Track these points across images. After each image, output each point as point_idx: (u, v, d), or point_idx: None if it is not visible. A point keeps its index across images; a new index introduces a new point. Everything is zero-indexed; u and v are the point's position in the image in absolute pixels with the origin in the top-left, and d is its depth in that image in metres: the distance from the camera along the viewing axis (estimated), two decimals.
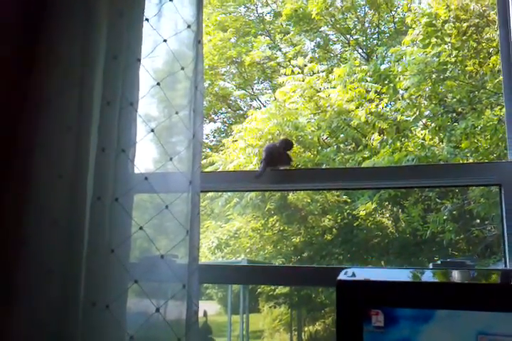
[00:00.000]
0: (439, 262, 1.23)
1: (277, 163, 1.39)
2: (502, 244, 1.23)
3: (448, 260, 1.24)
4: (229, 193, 6.27)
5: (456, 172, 1.34)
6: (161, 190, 1.19)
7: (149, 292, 1.12)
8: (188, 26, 1.30)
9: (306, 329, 6.82)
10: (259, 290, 6.80)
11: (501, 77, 1.39)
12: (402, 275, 0.93)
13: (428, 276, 0.96)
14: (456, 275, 0.93)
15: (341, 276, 0.84)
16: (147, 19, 1.28)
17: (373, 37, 8.15)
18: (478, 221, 5.29)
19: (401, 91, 6.06)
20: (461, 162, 4.79)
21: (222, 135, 8.36)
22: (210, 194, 6.38)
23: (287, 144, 1.49)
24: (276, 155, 1.42)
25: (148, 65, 1.26)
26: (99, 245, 1.10)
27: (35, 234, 1.09)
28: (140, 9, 1.27)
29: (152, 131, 1.21)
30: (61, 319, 1.06)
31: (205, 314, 6.29)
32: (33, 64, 1.21)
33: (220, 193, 6.30)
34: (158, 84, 1.24)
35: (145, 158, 1.22)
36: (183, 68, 1.27)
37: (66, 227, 1.10)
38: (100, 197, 1.12)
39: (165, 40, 1.28)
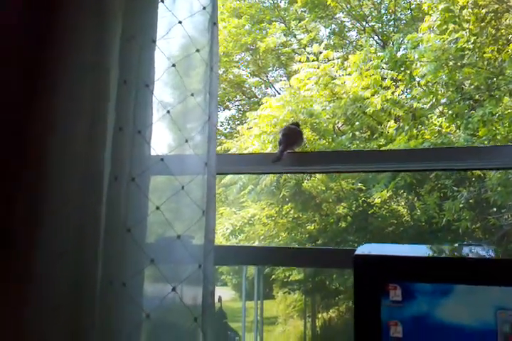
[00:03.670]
0: (455, 245, 1.23)
1: (294, 145, 1.39)
2: None
3: (464, 243, 1.24)
4: (244, 180, 6.29)
5: (473, 156, 1.32)
6: (177, 172, 1.19)
7: (165, 271, 1.13)
8: (204, 8, 1.29)
9: (319, 316, 6.86)
10: (273, 276, 6.84)
11: None
12: (420, 251, 0.92)
13: (445, 252, 0.96)
14: (473, 252, 0.93)
15: (358, 251, 0.84)
16: (162, 0, 1.28)
17: (389, 24, 8.06)
18: (494, 209, 5.24)
19: (417, 79, 5.99)
20: (478, 145, 4.73)
21: (236, 122, 8.36)
22: (224, 181, 6.41)
23: (299, 126, 1.51)
24: (294, 136, 1.42)
25: (164, 46, 1.25)
26: (116, 224, 1.11)
27: (50, 212, 1.10)
28: None
29: (168, 112, 1.22)
30: (78, 297, 1.08)
31: (219, 300, 6.35)
32: (47, 43, 1.21)
33: (235, 180, 6.32)
34: (173, 65, 1.24)
35: (160, 139, 1.22)
36: (198, 50, 1.26)
37: (82, 206, 1.11)
38: (117, 177, 1.13)
39: (180, 22, 1.27)
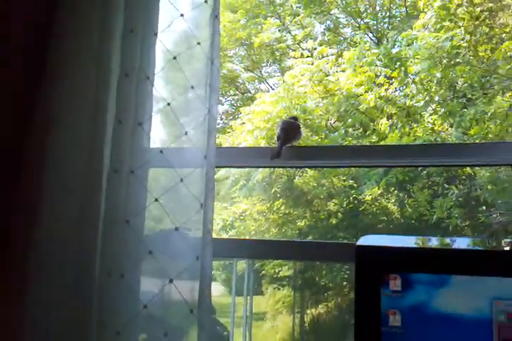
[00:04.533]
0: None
1: (292, 140, 1.40)
2: None
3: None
4: (236, 175, 6.30)
5: (467, 152, 1.32)
6: (176, 164, 1.20)
7: (163, 263, 1.14)
8: (205, 1, 1.29)
9: (308, 311, 6.89)
10: (263, 272, 6.86)
11: None
12: (420, 242, 0.95)
13: (444, 244, 0.98)
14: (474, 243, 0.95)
15: (360, 242, 0.86)
16: None
17: (384, 21, 8.07)
18: (484, 207, 5.29)
19: (411, 76, 6.01)
20: (472, 142, 4.76)
21: (229, 117, 8.35)
22: (216, 176, 6.40)
23: (298, 120, 1.52)
24: (292, 131, 1.42)
25: (165, 39, 1.25)
26: (115, 216, 1.11)
27: (50, 201, 1.11)
28: None
29: (168, 104, 1.22)
30: (77, 287, 1.09)
31: None
32: (50, 36, 1.21)
33: (226, 175, 6.33)
34: (174, 58, 1.25)
35: (160, 132, 1.23)
36: (199, 43, 1.27)
37: (82, 196, 1.12)
38: (117, 170, 1.13)
39: (182, 15, 1.28)
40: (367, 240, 0.89)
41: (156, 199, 1.16)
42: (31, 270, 1.08)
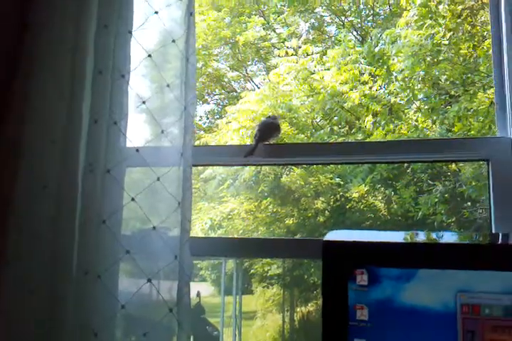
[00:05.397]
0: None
1: (269, 138, 1.40)
2: (489, 218, 1.25)
3: None
4: (222, 175, 6.29)
5: (444, 148, 1.35)
6: (152, 163, 1.19)
7: (141, 262, 1.13)
8: None
9: (298, 309, 6.89)
10: (252, 271, 6.85)
11: None
12: (388, 236, 0.95)
13: (415, 238, 0.99)
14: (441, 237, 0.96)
15: (327, 237, 0.86)
16: None
17: (368, 19, 8.10)
18: (469, 203, 5.33)
19: (395, 74, 6.04)
20: (449, 137, 4.78)
21: (215, 116, 8.33)
22: (203, 175, 6.40)
23: (277, 118, 1.52)
24: (268, 131, 1.42)
25: (140, 37, 1.25)
26: (91, 216, 1.10)
27: (26, 199, 1.10)
28: None
29: (144, 103, 1.21)
30: (53, 288, 1.07)
31: (198, 295, 6.35)
32: (24, 30, 1.20)
33: (213, 175, 6.32)
34: (149, 56, 1.24)
35: (136, 130, 1.22)
36: (174, 41, 1.26)
37: (57, 194, 1.11)
38: (92, 169, 1.12)
39: (156, 12, 1.27)
40: (334, 235, 0.90)
41: (133, 199, 1.15)
42: (6, 270, 1.06)
